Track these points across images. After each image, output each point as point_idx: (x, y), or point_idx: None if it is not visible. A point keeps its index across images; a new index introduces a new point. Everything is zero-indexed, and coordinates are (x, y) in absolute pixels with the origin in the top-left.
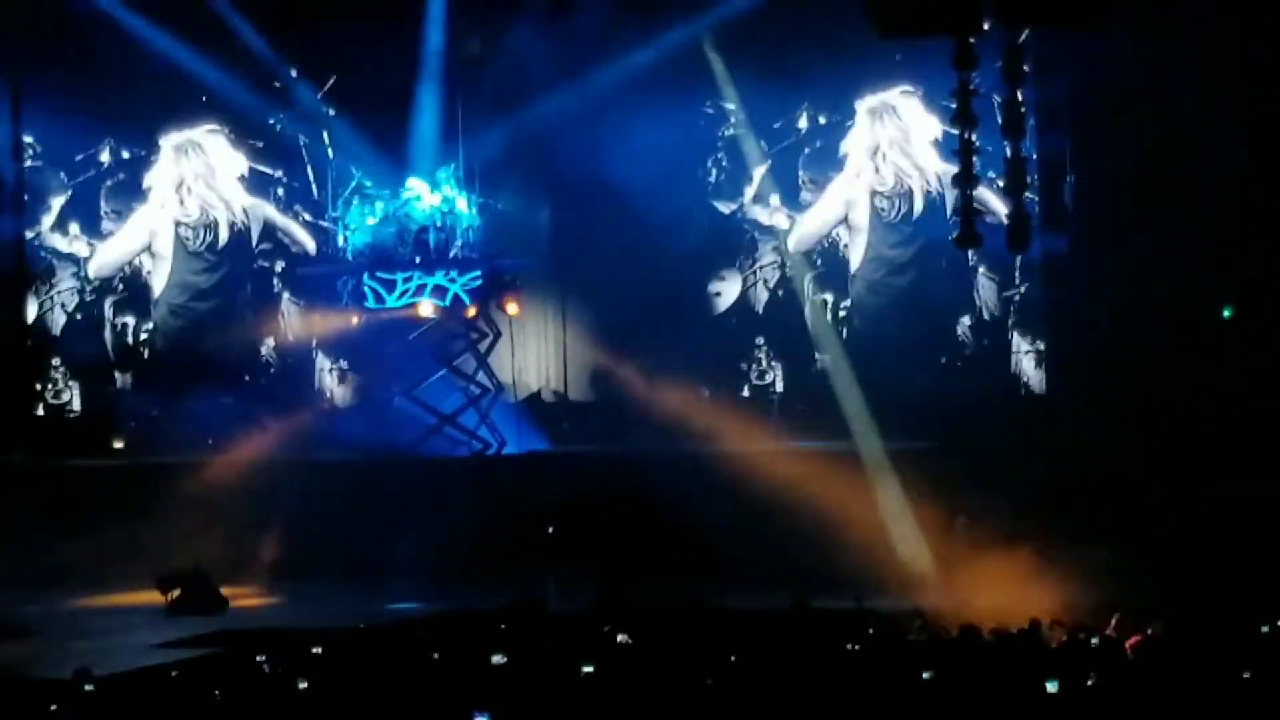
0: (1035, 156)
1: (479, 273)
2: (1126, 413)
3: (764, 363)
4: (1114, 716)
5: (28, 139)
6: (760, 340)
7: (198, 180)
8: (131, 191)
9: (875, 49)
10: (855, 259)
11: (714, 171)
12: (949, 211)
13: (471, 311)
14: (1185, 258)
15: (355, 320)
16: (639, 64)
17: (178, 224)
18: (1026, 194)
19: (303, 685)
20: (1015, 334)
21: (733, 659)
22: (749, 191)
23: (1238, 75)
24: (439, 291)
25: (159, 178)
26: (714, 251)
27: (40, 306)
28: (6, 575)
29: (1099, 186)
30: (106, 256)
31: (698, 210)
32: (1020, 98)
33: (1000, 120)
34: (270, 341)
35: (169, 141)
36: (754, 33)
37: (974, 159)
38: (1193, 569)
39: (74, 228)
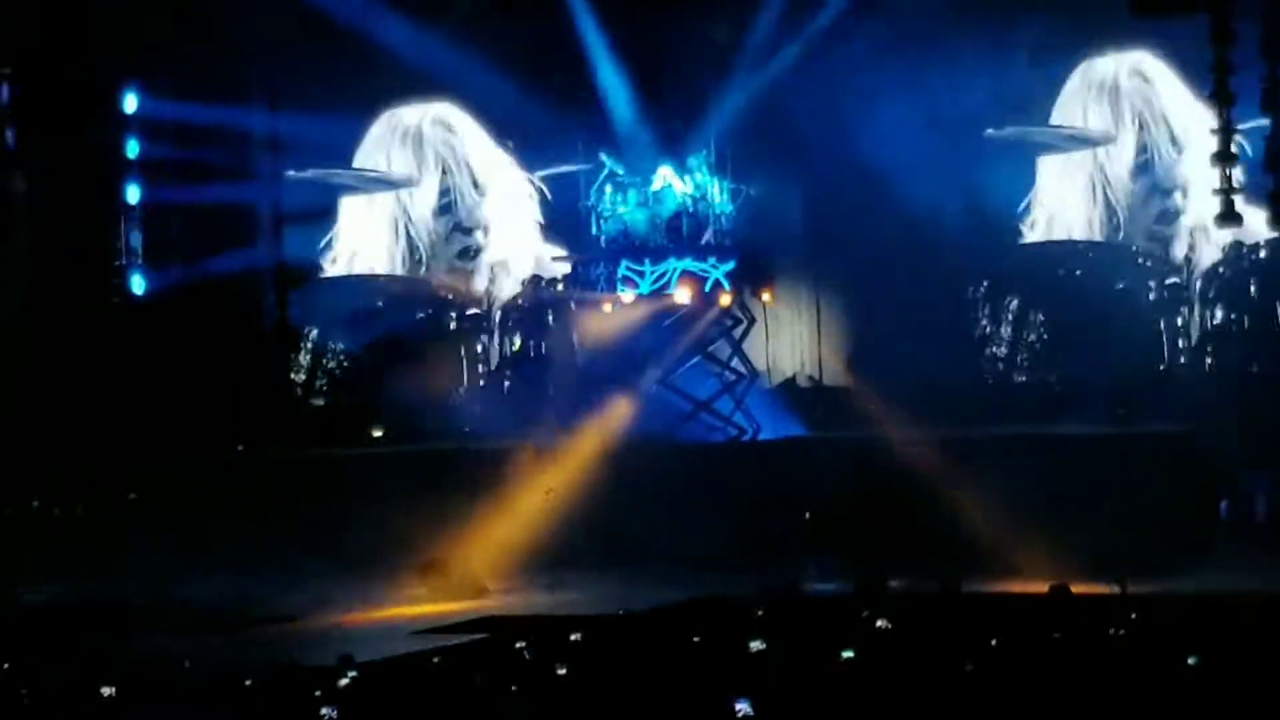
0: None
1: (733, 259)
2: None
3: (1020, 340)
4: None
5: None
6: (1012, 324)
7: (448, 172)
8: (380, 181)
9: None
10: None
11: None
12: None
13: (726, 298)
14: None
15: (609, 307)
16: (889, 51)
17: (423, 214)
18: None
19: (562, 671)
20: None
21: (993, 643)
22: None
23: None
24: (693, 278)
25: (404, 167)
26: (969, 237)
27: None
28: (271, 563)
29: None
30: (356, 248)
31: (952, 194)
32: None
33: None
34: (522, 331)
35: (416, 133)
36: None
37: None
38: None
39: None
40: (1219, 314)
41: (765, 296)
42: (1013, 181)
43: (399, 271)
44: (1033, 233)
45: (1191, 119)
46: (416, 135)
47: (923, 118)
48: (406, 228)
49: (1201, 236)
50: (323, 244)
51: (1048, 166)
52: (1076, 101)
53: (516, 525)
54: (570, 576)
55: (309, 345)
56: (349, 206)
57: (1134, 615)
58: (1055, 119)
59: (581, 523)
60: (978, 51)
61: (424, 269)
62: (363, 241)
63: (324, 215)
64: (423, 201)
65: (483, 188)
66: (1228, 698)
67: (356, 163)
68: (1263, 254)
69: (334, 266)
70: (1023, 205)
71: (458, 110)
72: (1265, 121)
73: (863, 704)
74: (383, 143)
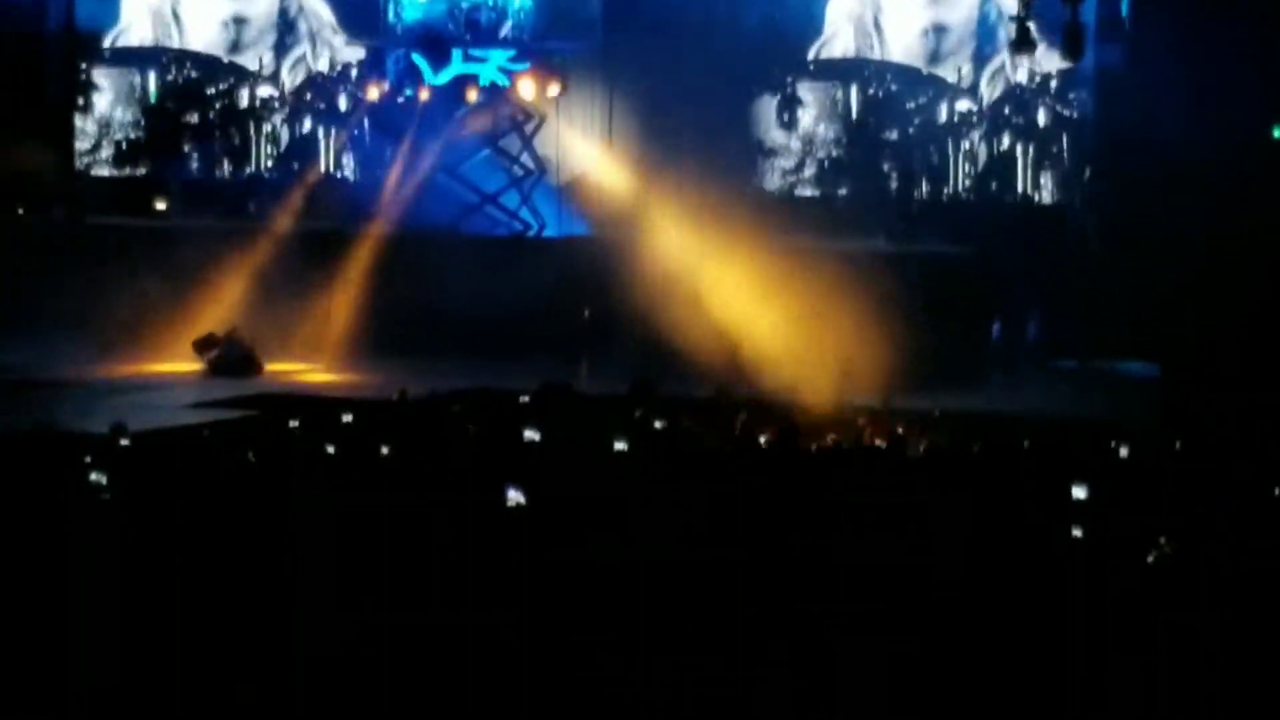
0: None
1: (529, 54)
2: (1168, 230)
3: (804, 160)
4: None
5: None
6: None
7: None
8: None
9: None
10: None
11: None
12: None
13: (520, 92)
14: (1240, 73)
15: (402, 95)
16: None
17: None
18: None
19: (330, 450)
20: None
21: (762, 443)
22: None
23: None
24: (487, 70)
25: None
26: (767, 48)
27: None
28: (45, 328)
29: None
30: (154, 21)
31: (751, 3)
32: None
33: None
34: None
35: None
36: None
37: None
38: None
39: None
40: (1006, 142)
41: (553, 90)
42: None
43: (195, 48)
44: (831, 48)
45: None
46: None
47: None
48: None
49: (1008, 65)
50: (117, 15)
51: None
52: None
53: (297, 306)
54: (348, 360)
55: (96, 114)
56: None
57: (899, 429)
58: None
59: (361, 309)
60: None
61: (224, 47)
62: (161, 16)
63: None
64: None
65: None
66: (982, 508)
67: None
68: (1054, 84)
69: (126, 37)
70: (824, 20)
71: None
72: None
73: (636, 496)
74: None
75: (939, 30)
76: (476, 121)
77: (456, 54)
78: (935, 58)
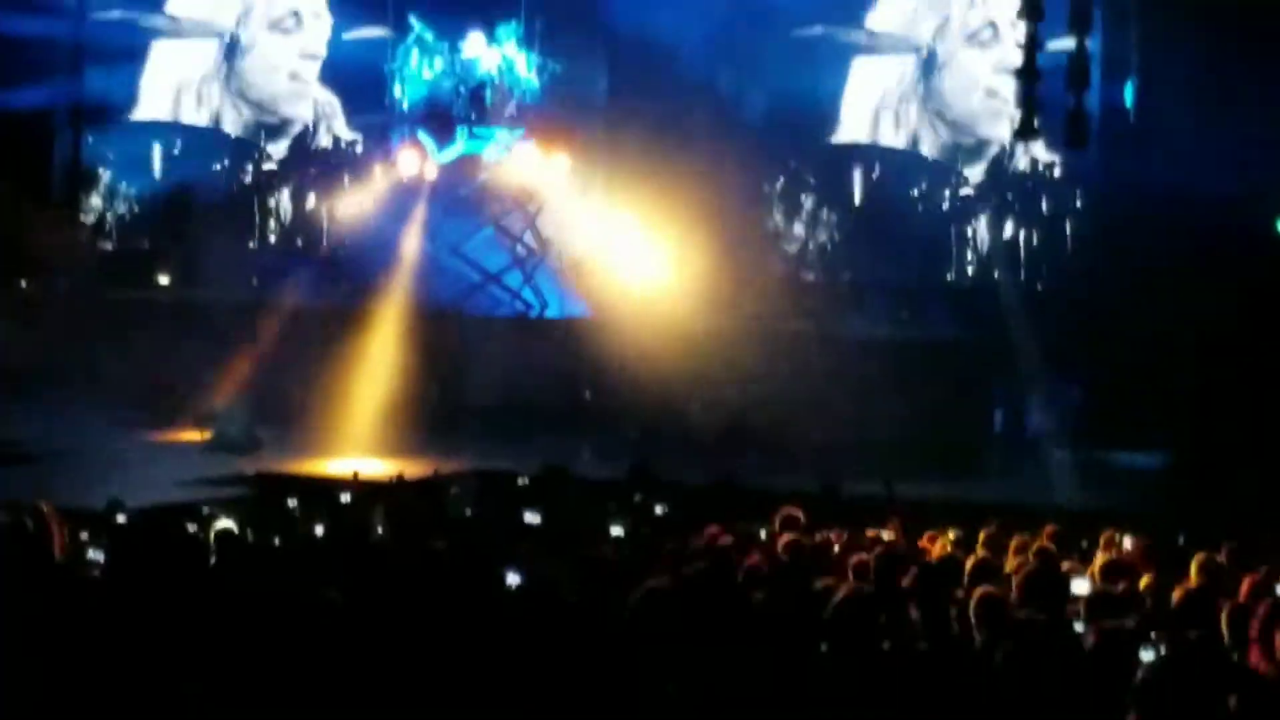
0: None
1: (533, 135)
2: (1169, 320)
3: (812, 238)
4: None
5: None
6: (806, 222)
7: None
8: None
9: None
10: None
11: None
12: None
13: (523, 173)
14: (1242, 166)
15: (406, 173)
16: None
17: (236, 65)
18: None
19: (319, 530)
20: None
21: (762, 536)
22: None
23: None
24: (492, 149)
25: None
26: (771, 131)
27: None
28: (44, 401)
29: (1162, 89)
30: (159, 94)
31: (757, 87)
32: None
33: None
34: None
35: None
36: None
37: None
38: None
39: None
40: (1009, 229)
41: (558, 166)
42: (821, 80)
43: (203, 121)
44: (836, 133)
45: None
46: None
47: (733, 8)
48: (216, 76)
49: (1007, 151)
50: (126, 87)
51: (861, 67)
52: (897, 3)
53: (299, 382)
54: (349, 439)
55: (101, 188)
56: (159, 50)
57: (899, 518)
58: (873, 20)
59: (363, 386)
60: None
61: (229, 120)
62: (167, 88)
63: (131, 57)
64: (235, 52)
65: (298, 42)
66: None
67: (170, 7)
68: (1057, 172)
69: (135, 110)
70: (830, 105)
71: None
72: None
73: (634, 579)
74: None
75: (947, 120)
76: (491, 194)
77: (461, 131)
78: (944, 146)
